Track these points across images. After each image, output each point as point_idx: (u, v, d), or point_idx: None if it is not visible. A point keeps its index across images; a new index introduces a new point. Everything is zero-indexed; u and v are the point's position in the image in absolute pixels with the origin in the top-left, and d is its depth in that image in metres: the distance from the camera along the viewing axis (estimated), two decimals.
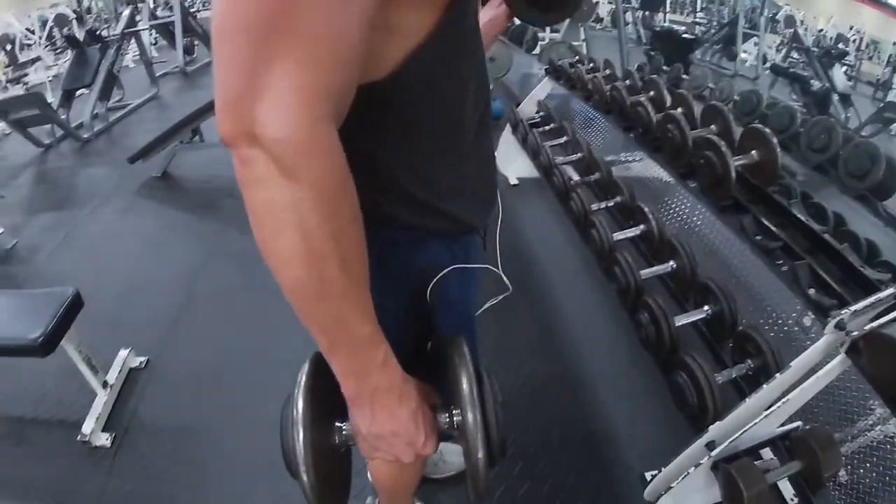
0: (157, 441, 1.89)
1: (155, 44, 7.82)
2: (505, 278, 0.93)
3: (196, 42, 7.49)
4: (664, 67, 3.57)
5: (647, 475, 1.53)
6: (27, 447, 1.93)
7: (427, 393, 0.69)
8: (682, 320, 1.70)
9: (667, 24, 4.41)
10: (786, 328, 1.68)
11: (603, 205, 2.46)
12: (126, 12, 5.26)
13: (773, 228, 1.41)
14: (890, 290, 0.97)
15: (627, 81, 2.64)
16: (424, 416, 0.64)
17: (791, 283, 1.27)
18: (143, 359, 2.22)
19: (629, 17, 5.22)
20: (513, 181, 3.51)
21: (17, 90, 5.47)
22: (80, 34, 5.45)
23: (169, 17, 7.02)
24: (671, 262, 1.94)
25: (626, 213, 2.38)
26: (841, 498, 1.28)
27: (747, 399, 1.11)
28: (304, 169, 0.46)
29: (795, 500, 1.19)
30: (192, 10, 8.02)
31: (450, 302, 0.80)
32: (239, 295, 2.56)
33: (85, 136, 4.78)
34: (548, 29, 4.75)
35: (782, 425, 1.13)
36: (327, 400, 0.63)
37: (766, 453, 1.24)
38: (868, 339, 0.92)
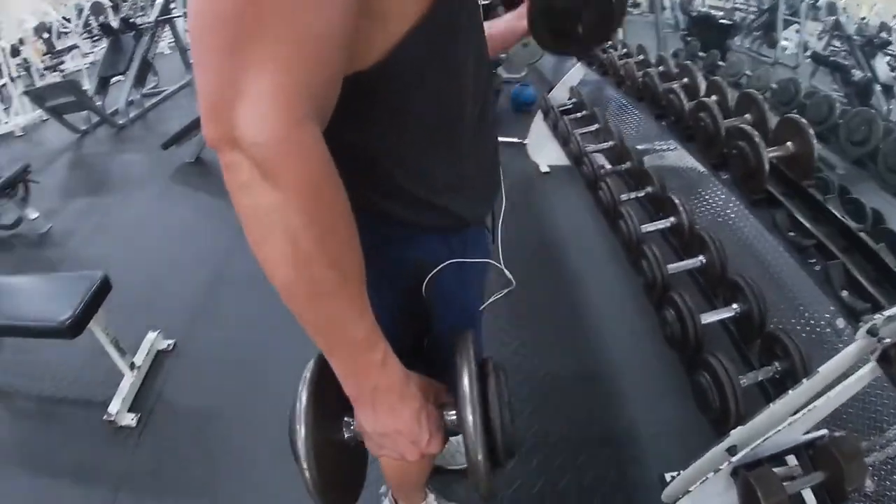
0: (182, 422, 1.93)
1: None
2: (507, 273, 0.89)
3: None
4: (700, 54, 3.43)
5: (667, 476, 1.49)
6: (55, 425, 2.00)
7: (437, 390, 0.68)
8: (709, 318, 1.65)
9: (705, 9, 4.23)
10: (818, 329, 1.61)
11: (633, 195, 2.42)
12: (160, 0, 5.34)
13: (807, 225, 1.34)
14: None
15: (661, 68, 2.56)
16: (428, 415, 0.63)
17: (823, 284, 1.21)
18: (170, 341, 2.26)
19: (667, 1, 5.03)
20: (544, 169, 3.45)
21: (54, 78, 5.64)
22: (115, 22, 5.56)
23: None
24: (700, 257, 1.90)
25: (656, 205, 2.33)
26: None
27: (772, 404, 1.06)
28: (284, 172, 0.46)
29: None
30: None
31: (447, 297, 0.78)
32: (266, 281, 2.58)
33: (120, 122, 4.87)
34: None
35: (808, 432, 1.08)
36: (336, 396, 0.62)
37: (791, 459, 1.19)
38: None
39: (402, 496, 1.45)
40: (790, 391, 1.03)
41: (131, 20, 5.29)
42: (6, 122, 5.09)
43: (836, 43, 4.49)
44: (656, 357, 1.93)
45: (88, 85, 5.27)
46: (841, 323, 1.20)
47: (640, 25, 4.66)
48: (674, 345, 1.75)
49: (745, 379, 1.31)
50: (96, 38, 6.77)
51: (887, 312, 0.89)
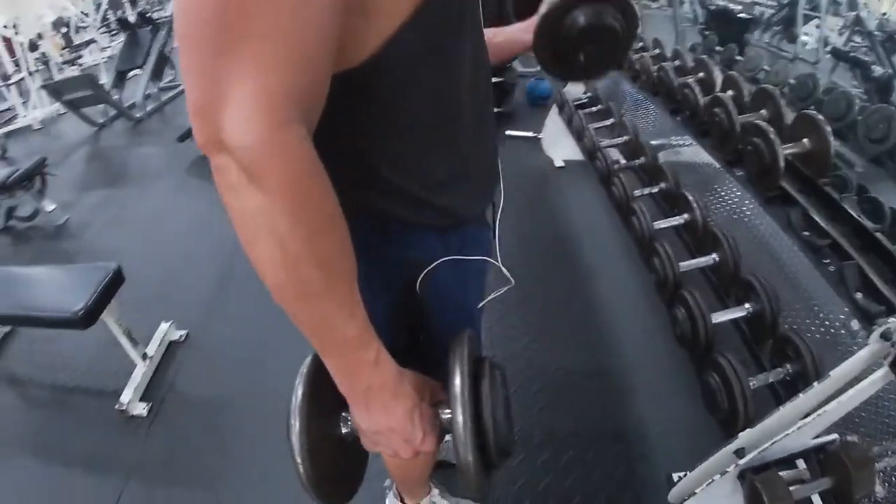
0: (193, 413, 1.95)
1: None
2: (505, 271, 0.88)
3: None
4: (717, 48, 3.37)
5: (675, 476, 1.47)
6: (68, 414, 2.04)
7: (433, 388, 0.68)
8: (720, 317, 1.63)
9: (723, 3, 4.14)
10: (832, 331, 1.57)
11: (646, 191, 2.40)
12: None
13: (822, 224, 1.30)
14: None
15: (676, 62, 2.51)
16: (422, 414, 0.63)
17: (837, 285, 1.18)
18: (183, 332, 2.28)
19: None
20: (558, 163, 3.41)
21: (72, 72, 5.71)
22: (132, 17, 5.62)
23: None
24: (714, 255, 1.87)
25: (669, 201, 2.30)
26: None
27: (781, 407, 1.04)
28: (269, 175, 0.46)
29: None
30: None
31: (443, 294, 0.78)
32: None
33: (137, 115, 4.93)
34: None
35: (819, 436, 1.06)
36: (334, 391, 0.62)
37: (801, 462, 1.17)
38: None
39: (406, 491, 1.46)
40: (800, 394, 1.01)
41: (148, 15, 5.34)
42: (25, 116, 5.17)
43: (857, 38, 4.39)
44: (668, 355, 1.91)
45: (106, 79, 5.33)
46: (856, 324, 1.17)
47: (658, 19, 4.60)
48: (684, 344, 1.73)
49: (755, 380, 1.29)
50: (114, 32, 6.82)
51: None
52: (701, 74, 2.24)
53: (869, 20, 4.25)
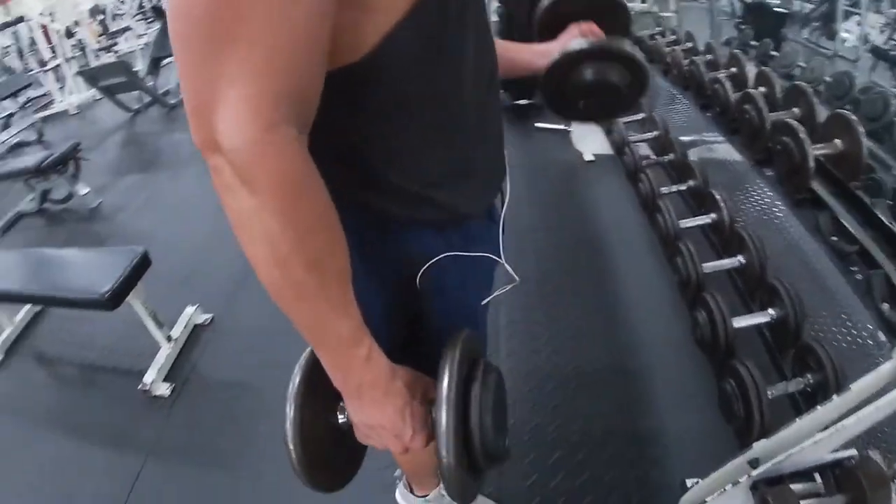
0: (213, 395, 1.99)
1: None
2: (509, 268, 0.86)
3: None
4: (753, 42, 3.25)
5: (689, 482, 1.44)
6: (93, 392, 2.12)
7: (426, 386, 0.68)
8: (742, 322, 1.59)
9: None
10: (859, 341, 1.51)
11: (674, 188, 2.36)
12: None
13: (851, 229, 1.25)
14: None
15: (708, 56, 2.44)
16: (413, 412, 0.63)
17: (864, 294, 1.13)
18: (208, 316, 2.32)
19: None
20: (588, 157, 3.32)
21: (108, 58, 5.86)
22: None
23: None
24: (739, 257, 1.83)
25: (697, 199, 2.25)
26: None
27: (799, 419, 1.01)
28: (259, 177, 0.46)
29: None
30: None
31: (444, 292, 0.76)
32: None
33: (171, 102, 5.02)
34: None
35: (837, 451, 1.02)
36: (332, 383, 0.63)
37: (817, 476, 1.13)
38: None
39: (416, 482, 1.46)
40: (819, 406, 0.98)
41: None
42: (61, 101, 5.34)
43: None
44: (689, 357, 1.85)
45: (141, 66, 5.45)
46: (882, 336, 1.12)
47: (695, 11, 4.45)
48: (703, 348, 1.69)
49: (774, 389, 1.25)
50: (150, 20, 6.97)
51: None
52: (733, 69, 2.17)
53: None
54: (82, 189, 3.43)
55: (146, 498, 1.66)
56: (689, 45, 2.76)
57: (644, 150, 2.78)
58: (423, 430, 0.64)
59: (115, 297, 1.84)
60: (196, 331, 2.27)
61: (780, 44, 3.19)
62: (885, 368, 0.88)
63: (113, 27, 6.77)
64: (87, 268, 2.01)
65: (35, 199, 3.50)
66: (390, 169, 0.65)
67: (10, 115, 5.25)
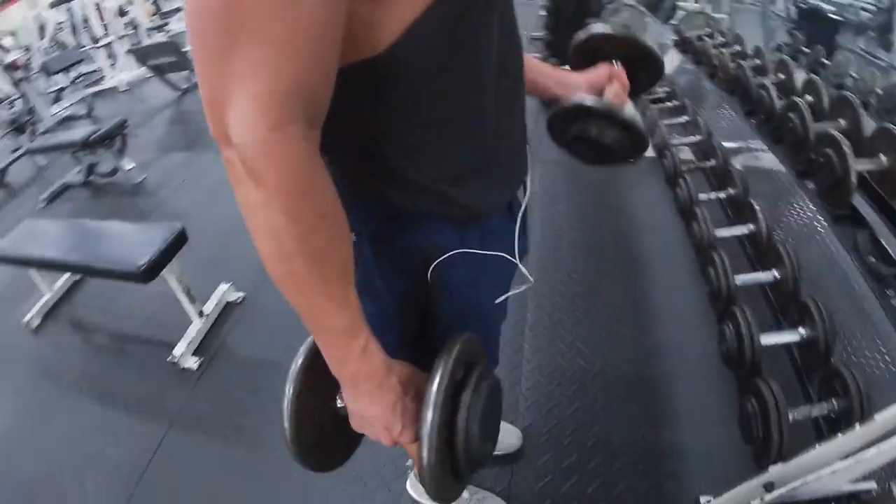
0: (240, 372, 2.05)
1: None
2: (523, 269, 0.84)
3: None
4: (804, 49, 3.10)
5: (703, 499, 1.41)
6: (124, 360, 2.21)
7: (421, 383, 0.68)
8: (769, 340, 1.54)
9: (815, 2, 3.75)
10: (893, 368, 1.45)
11: (713, 195, 2.30)
12: None
13: (891, 251, 1.19)
14: None
15: (757, 61, 2.35)
16: (404, 408, 0.65)
17: None
18: (240, 294, 2.37)
19: None
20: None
21: (160, 38, 6.02)
22: None
23: None
24: (774, 271, 1.77)
25: (736, 208, 2.18)
26: None
27: (818, 445, 0.98)
28: (265, 174, 0.48)
29: None
30: None
31: (454, 289, 0.76)
32: None
33: None
34: None
35: (857, 482, 0.98)
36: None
37: None
38: None
39: None
40: (840, 435, 0.94)
41: None
42: (112, 78, 5.51)
43: None
44: (716, 371, 1.79)
45: None
46: None
47: (749, 14, 4.28)
48: (728, 363, 1.64)
49: (797, 412, 1.21)
50: None
51: None
52: (780, 76, 2.08)
53: None
54: (127, 164, 3.55)
55: (166, 465, 1.73)
56: (738, 48, 2.66)
57: (687, 153, 2.71)
58: (412, 426, 0.65)
59: (151, 271, 1.91)
60: (228, 308, 2.33)
61: (832, 52, 3.05)
62: None
63: (165, 7, 6.94)
64: (126, 241, 2.09)
65: (81, 171, 3.63)
66: (407, 164, 0.65)
67: (62, 89, 5.46)
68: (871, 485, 0.97)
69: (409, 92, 0.59)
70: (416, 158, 0.65)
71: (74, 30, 6.21)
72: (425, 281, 0.73)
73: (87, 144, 3.35)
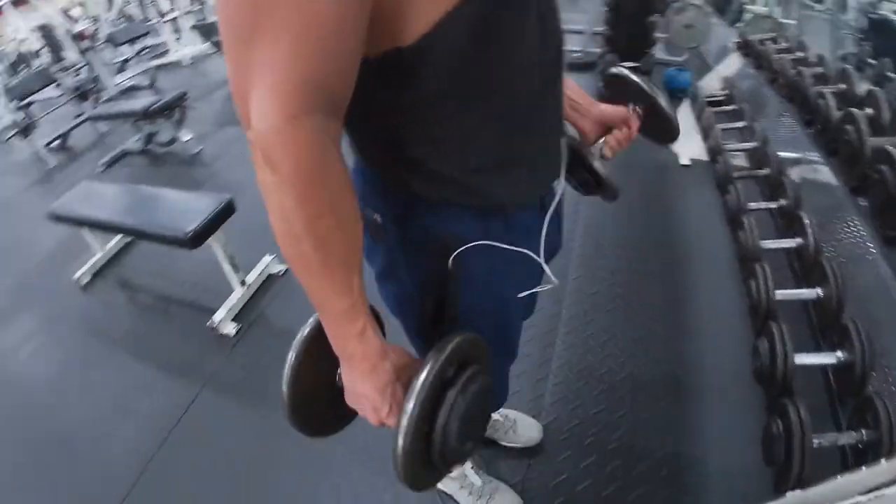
0: (275, 341, 2.10)
1: None
2: (547, 269, 0.83)
3: None
4: (870, 60, 2.92)
5: None
6: (166, 321, 2.32)
7: (414, 371, 0.70)
8: (805, 359, 1.49)
9: (885, 13, 3.50)
10: None
11: (762, 205, 2.23)
12: None
13: None
14: None
15: (818, 69, 2.23)
16: (394, 392, 0.67)
17: None
18: (283, 268, 2.44)
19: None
20: (684, 161, 3.08)
21: None
22: None
23: None
24: (818, 289, 1.71)
25: (785, 220, 2.10)
26: None
27: (839, 476, 0.94)
28: (279, 161, 0.50)
29: None
30: None
31: (473, 280, 0.76)
32: None
33: None
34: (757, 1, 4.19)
35: None
36: None
37: None
38: None
39: None
40: (864, 467, 0.91)
41: None
42: (176, 52, 5.71)
43: None
44: (749, 387, 1.71)
45: None
46: None
47: (818, 22, 4.06)
48: (761, 380, 1.59)
49: (823, 439, 1.17)
50: None
51: None
52: (841, 85, 1.98)
53: None
54: (185, 135, 3.69)
55: (195, 423, 1.82)
56: (801, 54, 2.53)
57: (741, 160, 2.61)
58: (398, 411, 0.66)
59: (197, 238, 1.99)
60: (269, 280, 2.40)
61: None
62: None
63: None
64: (177, 208, 2.18)
65: (140, 139, 3.80)
66: (431, 155, 0.66)
67: (126, 60, 5.70)
68: None
69: (436, 85, 0.59)
70: (439, 149, 0.66)
71: (141, 3, 6.45)
72: (446, 268, 0.74)
73: (147, 114, 3.49)
